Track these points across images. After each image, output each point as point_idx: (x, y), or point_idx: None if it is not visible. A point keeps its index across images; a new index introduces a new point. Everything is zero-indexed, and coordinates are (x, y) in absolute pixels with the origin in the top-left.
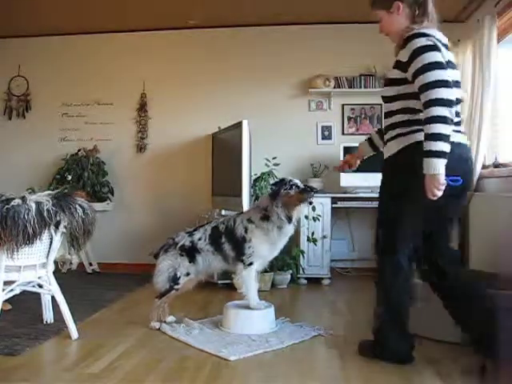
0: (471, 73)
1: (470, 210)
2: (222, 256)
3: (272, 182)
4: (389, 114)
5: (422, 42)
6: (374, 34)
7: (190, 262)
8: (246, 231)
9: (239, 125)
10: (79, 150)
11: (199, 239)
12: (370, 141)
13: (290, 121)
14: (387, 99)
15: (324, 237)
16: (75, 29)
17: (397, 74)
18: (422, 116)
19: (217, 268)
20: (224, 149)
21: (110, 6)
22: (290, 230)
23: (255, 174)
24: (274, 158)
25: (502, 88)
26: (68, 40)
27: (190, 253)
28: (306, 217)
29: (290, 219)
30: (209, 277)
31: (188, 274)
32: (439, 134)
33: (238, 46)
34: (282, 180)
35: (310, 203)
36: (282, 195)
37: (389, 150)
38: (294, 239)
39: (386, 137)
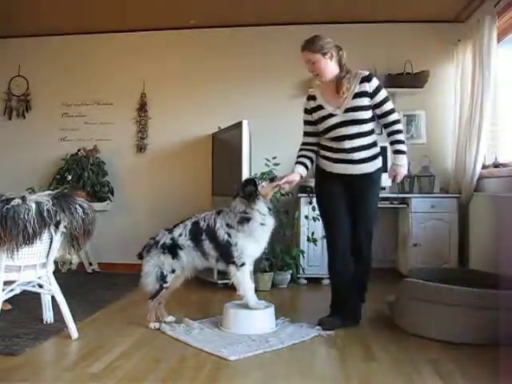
0: (471, 73)
1: (470, 210)
2: (201, 252)
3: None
4: (361, 135)
5: (377, 79)
6: (374, 34)
7: (173, 259)
8: (229, 236)
9: (239, 125)
10: (79, 150)
11: (180, 235)
12: (304, 165)
13: (290, 121)
14: (361, 122)
15: (324, 237)
16: (75, 29)
17: (367, 101)
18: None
19: (199, 265)
20: (224, 149)
21: (110, 6)
22: (271, 223)
23: (255, 174)
24: (274, 158)
25: (501, 88)
26: (68, 40)
27: (172, 250)
28: (306, 217)
29: (270, 210)
30: (195, 273)
31: (174, 271)
32: (404, 140)
33: (238, 45)
34: (250, 180)
35: (310, 203)
36: (259, 192)
37: (368, 167)
38: (294, 239)
39: (363, 154)
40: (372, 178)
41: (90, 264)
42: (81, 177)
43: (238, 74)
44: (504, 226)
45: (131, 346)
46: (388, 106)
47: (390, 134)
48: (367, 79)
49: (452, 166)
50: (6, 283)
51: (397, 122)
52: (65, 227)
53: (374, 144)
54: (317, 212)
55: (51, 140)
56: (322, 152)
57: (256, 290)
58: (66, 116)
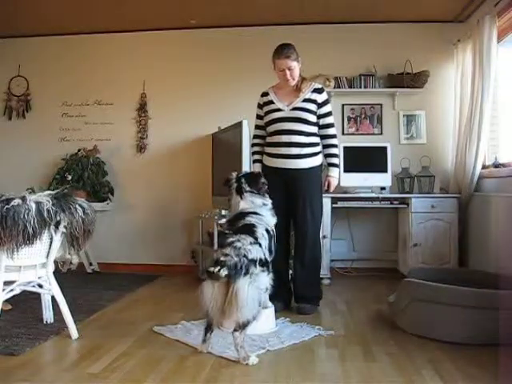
0: (471, 73)
1: (470, 210)
2: None
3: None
4: (303, 133)
5: (327, 94)
6: (374, 34)
7: (267, 275)
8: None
9: (239, 125)
10: (79, 150)
11: (265, 247)
12: (261, 162)
13: None
14: (304, 121)
15: (324, 237)
16: (75, 29)
17: (314, 107)
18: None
19: None
20: (224, 149)
21: (110, 5)
22: None
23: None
24: None
25: (502, 88)
26: (68, 40)
27: (267, 265)
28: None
29: None
30: None
31: (267, 289)
32: (338, 155)
33: (238, 45)
34: (258, 173)
35: None
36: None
37: (309, 162)
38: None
39: (305, 150)
40: (307, 174)
41: (90, 264)
42: (81, 177)
43: (238, 74)
44: (504, 226)
45: (131, 345)
46: (330, 119)
47: (326, 147)
48: (319, 91)
49: (452, 166)
50: (6, 283)
51: (334, 136)
52: (65, 227)
53: (312, 145)
54: None
55: (51, 140)
56: (265, 148)
57: None
58: (66, 116)
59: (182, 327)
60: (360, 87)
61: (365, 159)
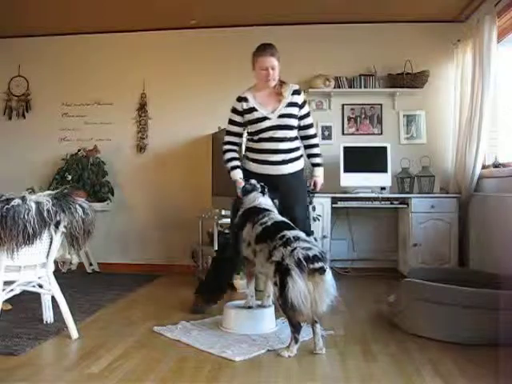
0: (471, 73)
1: (470, 210)
2: None
3: None
4: (289, 139)
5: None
6: (373, 34)
7: None
8: None
9: None
10: (79, 150)
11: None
12: (240, 168)
13: None
14: (290, 128)
15: (324, 237)
16: (75, 29)
17: (296, 111)
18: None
19: None
20: None
21: (110, 6)
22: None
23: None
24: None
25: (501, 88)
26: (68, 40)
27: None
28: (307, 217)
29: None
30: None
31: None
32: (321, 153)
33: (238, 45)
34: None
35: (310, 203)
36: None
37: (294, 166)
38: None
39: (290, 155)
40: (290, 180)
41: (90, 264)
42: (81, 177)
43: (238, 73)
44: (504, 226)
45: (131, 346)
46: (310, 119)
47: (308, 147)
48: (298, 92)
49: (452, 165)
50: (6, 283)
51: (315, 136)
52: (65, 227)
53: (296, 149)
54: (317, 212)
55: (51, 140)
56: (248, 154)
57: (256, 290)
58: (65, 116)
59: (181, 327)
60: (360, 87)
61: (365, 159)
